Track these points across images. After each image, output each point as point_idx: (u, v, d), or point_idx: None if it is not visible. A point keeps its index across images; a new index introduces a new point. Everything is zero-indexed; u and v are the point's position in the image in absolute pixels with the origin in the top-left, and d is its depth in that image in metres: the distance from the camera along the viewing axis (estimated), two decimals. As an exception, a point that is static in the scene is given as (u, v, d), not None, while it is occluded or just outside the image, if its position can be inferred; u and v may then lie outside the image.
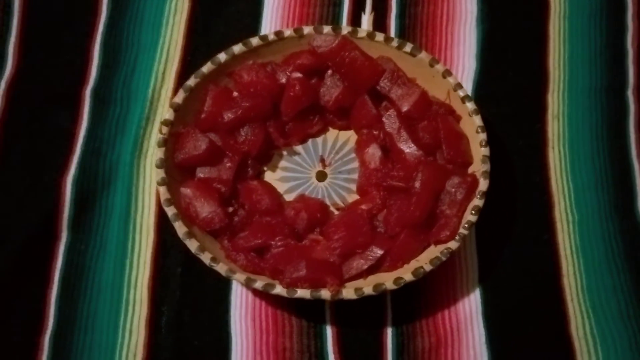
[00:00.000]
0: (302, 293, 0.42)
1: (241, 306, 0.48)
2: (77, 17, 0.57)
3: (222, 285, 0.48)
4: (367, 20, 0.56)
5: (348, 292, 0.42)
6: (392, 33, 0.56)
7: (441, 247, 0.44)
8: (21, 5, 0.57)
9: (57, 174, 0.51)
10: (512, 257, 0.49)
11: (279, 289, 0.42)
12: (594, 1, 0.56)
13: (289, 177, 0.51)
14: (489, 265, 0.49)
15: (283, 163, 0.51)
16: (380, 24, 0.56)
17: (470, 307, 0.48)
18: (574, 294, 0.48)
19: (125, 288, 0.48)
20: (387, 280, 0.43)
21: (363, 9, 0.57)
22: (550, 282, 0.48)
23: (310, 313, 0.48)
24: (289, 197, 0.50)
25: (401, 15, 0.56)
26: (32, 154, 0.52)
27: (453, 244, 0.44)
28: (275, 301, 0.48)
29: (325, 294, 0.42)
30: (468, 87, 0.54)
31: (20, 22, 0.56)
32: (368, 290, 0.42)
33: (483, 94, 0.53)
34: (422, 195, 0.44)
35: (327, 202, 0.50)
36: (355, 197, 0.50)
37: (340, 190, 0.50)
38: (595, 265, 0.48)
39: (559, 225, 0.50)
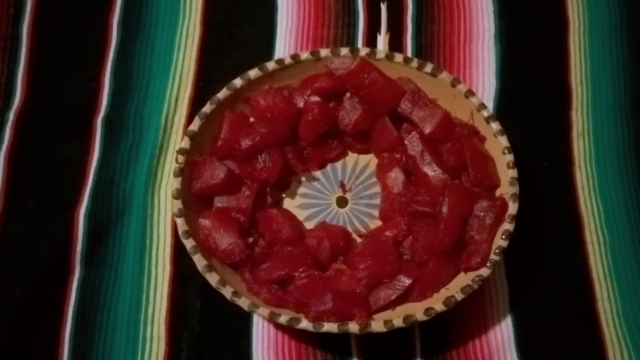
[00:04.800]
0: (329, 327, 0.40)
1: (263, 340, 0.46)
2: (87, 44, 0.56)
3: (243, 319, 0.46)
4: (382, 40, 0.55)
5: (377, 325, 0.41)
6: (409, 53, 0.55)
7: (472, 274, 0.43)
8: (29, 34, 0.56)
9: (69, 206, 0.49)
10: (543, 282, 0.47)
11: (304, 324, 0.41)
12: (614, 15, 0.55)
13: (308, 204, 0.49)
14: (519, 291, 0.47)
15: (302, 189, 0.50)
16: (396, 44, 0.55)
17: (502, 335, 0.46)
18: (609, 320, 0.46)
19: (142, 324, 0.46)
20: (417, 310, 0.41)
21: (378, 30, 0.56)
22: (584, 307, 0.46)
23: (335, 346, 0.46)
24: (309, 225, 0.48)
25: (417, 35, 0.55)
26: (42, 187, 0.50)
27: (484, 271, 0.42)
28: (299, 334, 0.46)
29: (354, 327, 0.40)
30: (489, 107, 0.52)
31: (29, 51, 0.55)
32: (398, 322, 0.40)
33: (504, 114, 0.52)
34: (450, 220, 0.43)
35: (349, 228, 0.48)
36: (378, 223, 0.48)
37: (362, 216, 0.48)
38: (629, 289, 0.47)
39: (589, 248, 0.48)
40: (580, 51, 0.54)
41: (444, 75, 0.47)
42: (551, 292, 0.47)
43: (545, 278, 0.47)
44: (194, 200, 0.45)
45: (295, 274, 0.43)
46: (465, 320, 0.46)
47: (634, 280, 0.47)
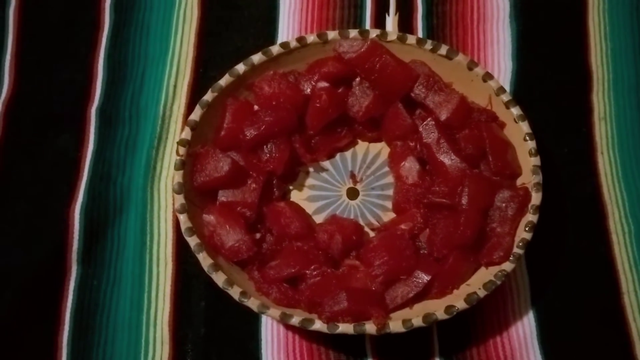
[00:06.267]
0: (345, 328, 0.38)
1: (273, 341, 0.44)
2: (78, 29, 0.53)
3: (252, 318, 0.44)
4: (391, 21, 0.52)
5: (395, 325, 0.38)
6: (420, 35, 0.52)
7: (494, 269, 0.40)
8: (16, 19, 0.53)
9: (63, 203, 0.47)
10: (566, 275, 0.45)
11: (318, 325, 0.38)
12: (635, -8, 0.52)
13: (317, 196, 0.46)
14: (541, 285, 0.45)
15: (310, 181, 0.47)
16: (406, 25, 0.52)
17: (524, 331, 0.44)
18: (636, 313, 0.44)
19: (144, 326, 0.44)
20: (437, 309, 0.39)
21: (387, 10, 0.53)
22: (609, 300, 0.44)
23: (349, 346, 0.43)
24: (318, 218, 0.45)
25: (428, 15, 0.52)
26: (34, 182, 0.48)
27: (507, 266, 0.40)
28: (311, 334, 0.43)
29: (371, 328, 0.38)
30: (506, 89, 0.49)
31: (16, 38, 0.52)
32: (417, 321, 0.38)
33: (521, 97, 0.49)
34: (470, 212, 0.40)
35: (361, 222, 0.45)
36: (391, 215, 0.45)
37: (374, 208, 0.46)
38: (657, 281, 0.44)
39: (614, 237, 0.46)
40: (600, 30, 0.51)
41: (460, 58, 0.44)
42: (574, 285, 0.45)
43: (567, 270, 0.45)
44: (196, 195, 0.43)
45: (307, 271, 0.41)
46: (485, 317, 0.44)
47: (661, 271, 0.44)
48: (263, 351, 0.43)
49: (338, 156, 0.48)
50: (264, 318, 0.44)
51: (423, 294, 0.41)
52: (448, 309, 0.38)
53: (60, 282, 0.45)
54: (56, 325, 0.44)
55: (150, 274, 0.45)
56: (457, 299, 0.39)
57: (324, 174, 0.47)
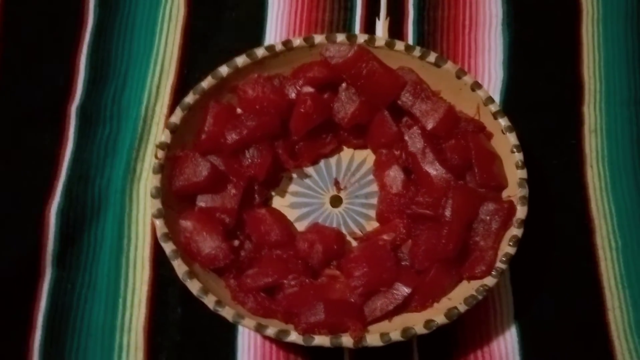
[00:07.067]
0: (321, 340, 0.37)
1: (250, 350, 0.43)
2: (60, 25, 0.51)
3: (228, 327, 0.43)
4: (382, 26, 0.51)
5: (373, 339, 0.37)
6: (410, 40, 0.51)
7: (475, 283, 0.39)
8: (-2, 13, 0.52)
9: (39, 203, 0.46)
10: (551, 290, 0.44)
11: (294, 336, 0.37)
12: (630, 3, 0.51)
13: (299, 203, 0.45)
14: (525, 299, 0.44)
15: (293, 187, 0.46)
16: (396, 30, 0.51)
17: (507, 348, 0.43)
18: (620, 331, 0.43)
19: (118, 332, 0.43)
20: (417, 323, 0.38)
21: (377, 14, 0.52)
22: (593, 317, 0.43)
23: (327, 358, 0.42)
24: (300, 226, 0.45)
25: (419, 21, 0.51)
26: (10, 181, 0.47)
27: (489, 280, 0.39)
28: (288, 345, 0.42)
29: (347, 340, 0.37)
30: (495, 99, 0.48)
31: (-3, 32, 0.51)
32: (395, 335, 0.37)
33: (511, 107, 0.48)
34: (454, 225, 0.39)
35: (344, 230, 0.44)
36: (375, 224, 0.45)
37: (357, 217, 0.45)
38: (643, 298, 0.44)
39: (601, 253, 0.45)
40: (593, 41, 0.50)
41: (449, 66, 0.43)
42: (559, 301, 0.44)
43: (552, 285, 0.44)
44: (174, 199, 0.42)
45: (285, 281, 0.40)
46: (467, 332, 0.43)
47: (647, 288, 0.44)
48: (239, 360, 0.42)
49: (322, 162, 0.47)
50: (241, 327, 0.43)
51: (403, 307, 0.40)
52: (427, 323, 0.38)
53: (33, 284, 0.44)
54: (28, 329, 0.43)
55: (126, 278, 0.44)
56: (438, 313, 0.38)
57: (307, 181, 0.46)
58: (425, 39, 0.51)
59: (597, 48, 0.50)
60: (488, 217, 0.40)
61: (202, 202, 0.42)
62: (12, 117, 0.48)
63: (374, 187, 0.46)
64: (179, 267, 0.39)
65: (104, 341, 0.43)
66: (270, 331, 0.37)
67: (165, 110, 0.49)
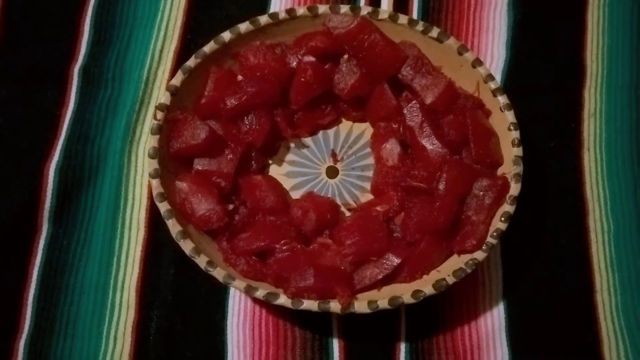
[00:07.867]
0: (309, 305, 0.38)
1: (239, 313, 0.43)
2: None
3: (219, 290, 0.44)
4: (386, 0, 0.51)
5: (360, 305, 0.38)
6: (415, 16, 0.51)
7: (465, 257, 0.40)
8: (5, -29, 0.52)
9: (39, 160, 0.46)
10: (541, 270, 0.44)
11: (282, 299, 0.38)
12: (637, -11, 0.51)
13: (296, 172, 0.46)
14: (514, 278, 0.44)
15: (290, 156, 0.46)
16: (401, 5, 0.51)
17: (493, 323, 0.43)
18: (607, 312, 0.43)
19: (111, 290, 0.44)
20: (405, 292, 0.38)
21: (383, -12, 0.52)
22: (581, 298, 0.44)
23: (315, 324, 0.43)
24: (295, 195, 0.45)
25: (425, -3, 0.51)
26: (11, 138, 0.47)
27: (479, 255, 0.39)
28: (278, 310, 0.43)
29: (335, 306, 0.38)
30: (496, 79, 0.48)
31: (3, -10, 0.51)
32: (383, 303, 0.38)
33: (512, 87, 0.48)
34: (446, 198, 0.40)
35: (338, 201, 0.45)
36: (369, 196, 0.45)
37: (352, 188, 0.45)
38: (631, 281, 0.44)
39: (592, 236, 0.45)
40: (598, 26, 0.50)
41: (451, 42, 0.43)
42: (548, 281, 0.44)
43: (543, 265, 0.45)
44: (172, 161, 0.42)
45: (277, 246, 0.40)
46: (454, 305, 0.43)
47: (637, 272, 0.44)
48: (228, 322, 0.43)
49: (320, 133, 0.47)
50: (232, 290, 0.44)
51: (392, 277, 0.40)
52: (415, 293, 0.38)
53: (29, 239, 0.44)
54: (23, 282, 0.44)
55: (121, 238, 0.45)
56: (426, 285, 0.38)
57: (304, 151, 0.47)
58: (430, 15, 0.51)
59: (601, 33, 0.50)
60: (481, 193, 0.41)
61: (199, 165, 0.42)
62: (15, 75, 0.49)
63: (370, 160, 0.46)
64: (173, 227, 0.39)
65: (97, 298, 0.43)
66: (260, 293, 0.38)
67: (167, 74, 0.49)
